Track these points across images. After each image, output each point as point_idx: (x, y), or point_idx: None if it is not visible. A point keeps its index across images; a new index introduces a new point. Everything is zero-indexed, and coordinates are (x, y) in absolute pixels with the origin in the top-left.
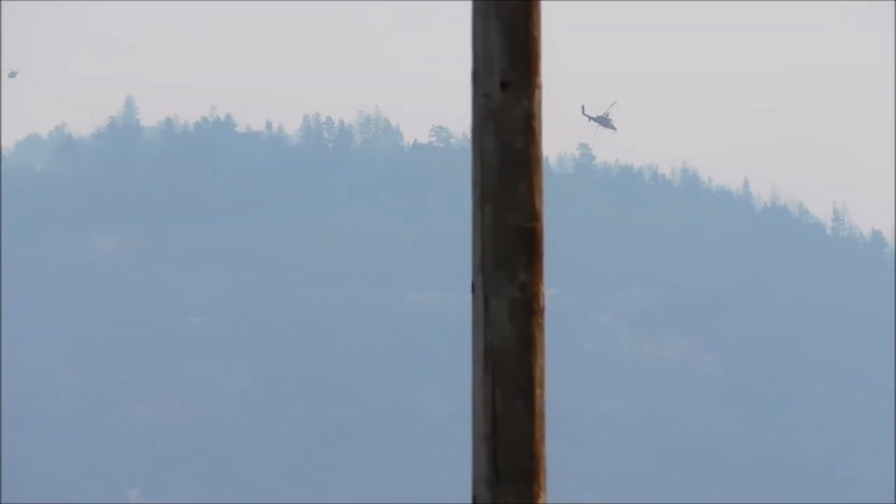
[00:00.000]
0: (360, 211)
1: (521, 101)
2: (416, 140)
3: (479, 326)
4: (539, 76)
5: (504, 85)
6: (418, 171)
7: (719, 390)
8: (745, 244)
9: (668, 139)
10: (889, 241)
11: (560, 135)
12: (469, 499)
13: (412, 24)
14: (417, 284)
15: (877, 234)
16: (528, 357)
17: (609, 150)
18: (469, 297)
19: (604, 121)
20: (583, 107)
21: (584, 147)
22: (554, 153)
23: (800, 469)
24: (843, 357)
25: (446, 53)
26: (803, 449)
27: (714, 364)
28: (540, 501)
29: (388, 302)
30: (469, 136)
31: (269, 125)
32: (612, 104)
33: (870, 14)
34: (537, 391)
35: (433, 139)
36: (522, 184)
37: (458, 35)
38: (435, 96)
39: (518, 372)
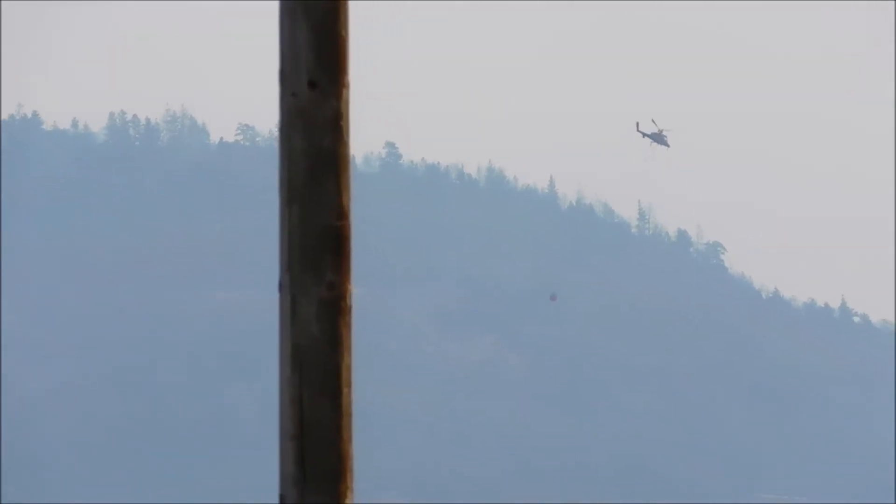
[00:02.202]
0: (166, 209)
1: (329, 100)
2: (222, 138)
3: (287, 326)
4: (347, 76)
5: (312, 84)
6: (225, 169)
7: (524, 389)
8: (550, 243)
9: (476, 138)
10: (695, 240)
11: (367, 133)
12: (276, 498)
13: (216, 22)
14: (225, 283)
15: (682, 234)
16: (335, 356)
17: (415, 148)
18: (277, 295)
19: (658, 138)
20: (637, 123)
21: (390, 146)
22: (360, 152)
23: (604, 467)
24: (647, 356)
25: (254, 52)
26: (608, 447)
27: (519, 362)
28: (347, 500)
29: (195, 300)
30: (276, 134)
31: (75, 123)
32: (665, 130)
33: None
34: (344, 390)
35: (239, 137)
36: (330, 183)
37: (267, 34)
38: (242, 94)
39: (325, 371)
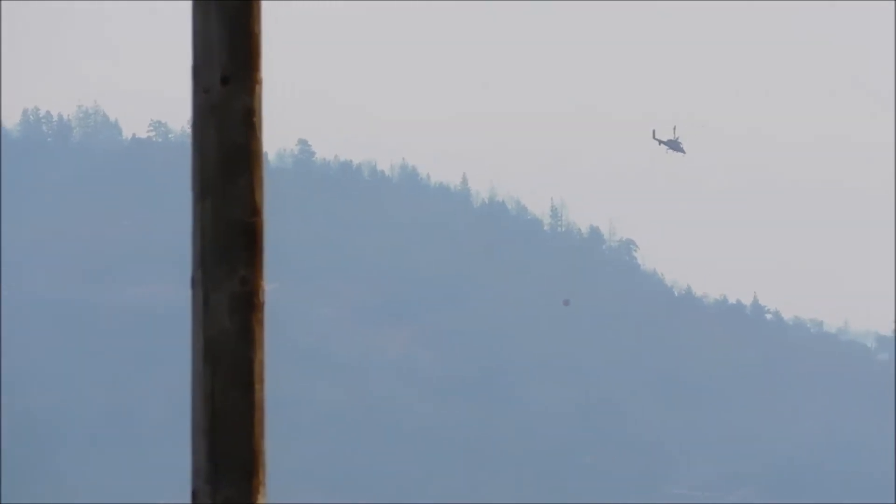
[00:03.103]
0: (79, 205)
1: (242, 96)
2: (134, 134)
3: (199, 321)
4: (259, 71)
5: (224, 80)
6: (137, 165)
7: (438, 384)
8: (463, 239)
9: (388, 136)
10: (607, 237)
11: (279, 129)
12: (189, 493)
13: (128, 18)
14: (137, 279)
15: (594, 230)
16: (247, 351)
17: (328, 146)
18: (189, 291)
19: (674, 144)
20: (654, 131)
21: (303, 143)
22: (273, 149)
23: (516, 461)
24: (559, 352)
25: (166, 48)
26: (519, 441)
27: (432, 358)
28: (259, 495)
29: (108, 296)
30: (189, 130)
31: None
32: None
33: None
34: (257, 385)
35: (152, 133)
36: (243, 179)
37: (178, 30)
38: (154, 91)
39: (238, 366)
